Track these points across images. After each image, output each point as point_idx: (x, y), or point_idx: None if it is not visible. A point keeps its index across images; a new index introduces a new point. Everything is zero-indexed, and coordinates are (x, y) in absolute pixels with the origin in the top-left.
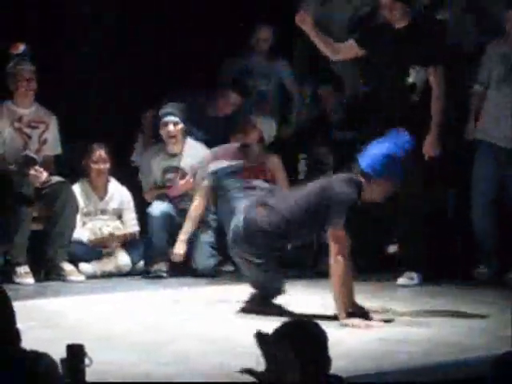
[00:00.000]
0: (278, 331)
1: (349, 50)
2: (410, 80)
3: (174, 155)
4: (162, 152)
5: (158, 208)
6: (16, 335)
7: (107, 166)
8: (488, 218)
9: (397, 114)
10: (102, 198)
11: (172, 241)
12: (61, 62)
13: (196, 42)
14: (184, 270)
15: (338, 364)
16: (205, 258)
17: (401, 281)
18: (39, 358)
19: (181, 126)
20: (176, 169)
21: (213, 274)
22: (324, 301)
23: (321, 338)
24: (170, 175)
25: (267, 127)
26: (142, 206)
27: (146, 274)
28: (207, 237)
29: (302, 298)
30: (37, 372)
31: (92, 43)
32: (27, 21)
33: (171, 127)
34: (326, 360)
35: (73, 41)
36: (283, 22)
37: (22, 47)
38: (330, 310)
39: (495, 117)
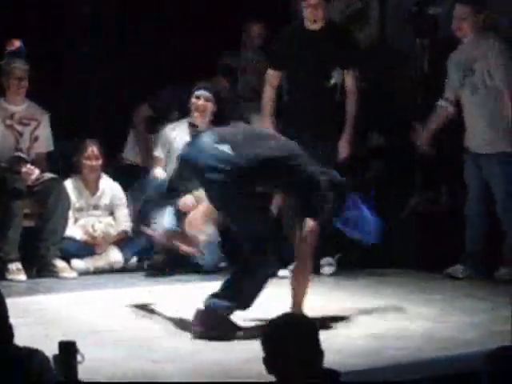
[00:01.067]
0: (268, 326)
1: (275, 79)
2: (333, 81)
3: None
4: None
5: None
6: (9, 332)
7: (99, 162)
8: (477, 219)
9: (323, 115)
10: (93, 194)
11: None
12: (61, 62)
13: (196, 42)
14: (183, 263)
15: (329, 360)
16: (213, 255)
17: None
18: (32, 355)
19: (211, 105)
20: None
21: (218, 270)
22: (322, 297)
23: (310, 331)
24: None
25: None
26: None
27: (148, 267)
28: (215, 233)
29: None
30: (29, 368)
31: (92, 43)
32: (27, 21)
33: (202, 101)
34: (317, 353)
35: (73, 41)
36: (278, 18)
37: (17, 44)
38: (326, 307)
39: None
